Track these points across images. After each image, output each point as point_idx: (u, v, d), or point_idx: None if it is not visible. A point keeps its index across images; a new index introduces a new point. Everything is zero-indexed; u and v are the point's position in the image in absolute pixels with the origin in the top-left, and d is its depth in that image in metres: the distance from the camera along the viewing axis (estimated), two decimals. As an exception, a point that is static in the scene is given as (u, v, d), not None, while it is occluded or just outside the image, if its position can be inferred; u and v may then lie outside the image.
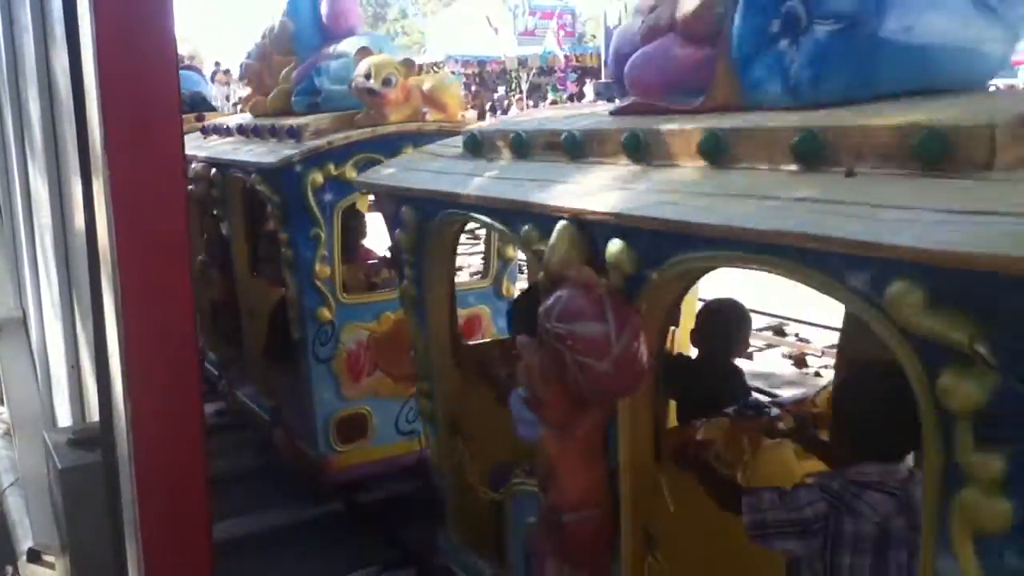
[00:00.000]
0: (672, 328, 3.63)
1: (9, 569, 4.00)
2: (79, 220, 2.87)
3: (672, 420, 3.14)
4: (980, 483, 1.46)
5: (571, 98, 25.16)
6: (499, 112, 23.60)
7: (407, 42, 47.39)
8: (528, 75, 30.09)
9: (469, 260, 10.69)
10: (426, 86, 4.24)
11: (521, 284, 4.96)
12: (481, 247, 5.94)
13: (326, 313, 4.16)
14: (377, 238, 4.75)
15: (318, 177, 4.00)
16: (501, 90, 30.26)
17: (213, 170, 4.88)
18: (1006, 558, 1.48)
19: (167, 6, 2.42)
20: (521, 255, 3.96)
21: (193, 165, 4.86)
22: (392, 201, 3.03)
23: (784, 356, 7.93)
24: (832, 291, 1.62)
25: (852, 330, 2.92)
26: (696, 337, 3.18)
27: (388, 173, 3.08)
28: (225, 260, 5.12)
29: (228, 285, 5.16)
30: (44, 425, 4.30)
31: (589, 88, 25.37)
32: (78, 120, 2.66)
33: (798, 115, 1.92)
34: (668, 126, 2.18)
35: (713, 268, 2.00)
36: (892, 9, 1.89)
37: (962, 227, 1.41)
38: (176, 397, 2.59)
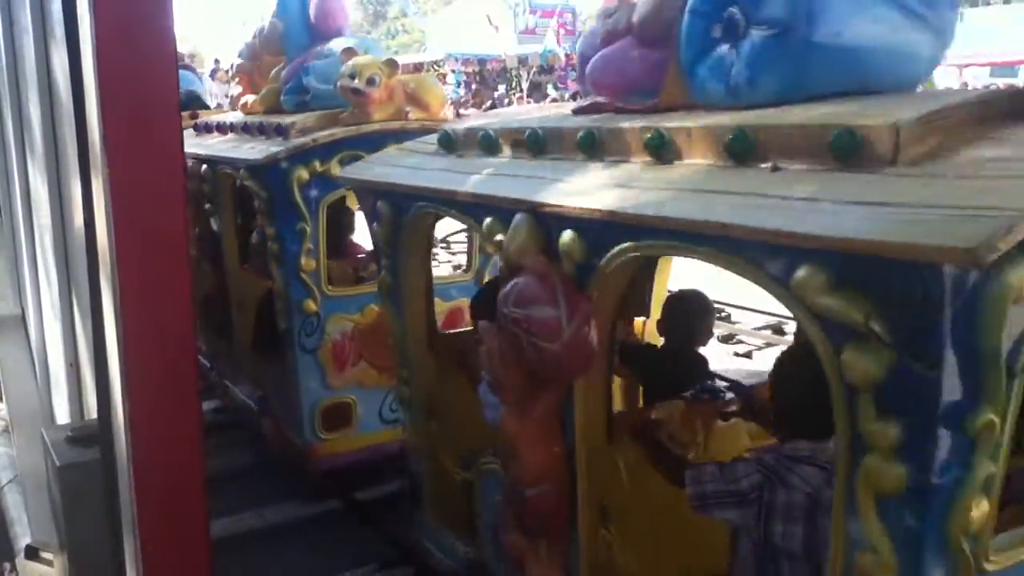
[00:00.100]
0: (643, 319, 3.79)
1: (7, 566, 4.04)
2: (78, 219, 2.87)
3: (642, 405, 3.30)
4: (880, 450, 1.60)
5: (573, 96, 25.28)
6: (499, 111, 23.68)
7: (407, 40, 47.29)
8: (529, 73, 30.17)
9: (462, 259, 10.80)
10: (409, 86, 4.38)
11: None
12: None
13: (311, 305, 4.31)
14: (366, 234, 4.87)
15: (304, 173, 4.14)
16: (502, 88, 30.33)
17: (204, 166, 5.03)
18: (904, 519, 1.63)
19: (167, 5, 2.42)
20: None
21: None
22: (369, 195, 3.18)
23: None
24: (754, 277, 1.76)
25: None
26: (662, 327, 3.33)
27: (366, 168, 3.22)
28: (216, 254, 5.26)
29: (219, 279, 5.30)
30: (42, 422, 4.32)
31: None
32: (77, 120, 2.67)
33: (735, 115, 2.07)
34: (620, 124, 2.33)
35: (656, 256, 2.14)
36: (822, 16, 2.03)
37: (864, 217, 1.55)
38: (174, 395, 2.59)
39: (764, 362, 7.69)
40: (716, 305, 8.06)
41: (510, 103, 27.42)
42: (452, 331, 3.67)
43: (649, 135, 2.16)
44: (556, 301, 2.18)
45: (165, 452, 2.58)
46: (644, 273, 3.71)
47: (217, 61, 16.27)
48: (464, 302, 4.62)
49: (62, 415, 4.13)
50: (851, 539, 1.72)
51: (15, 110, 4.64)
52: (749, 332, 8.19)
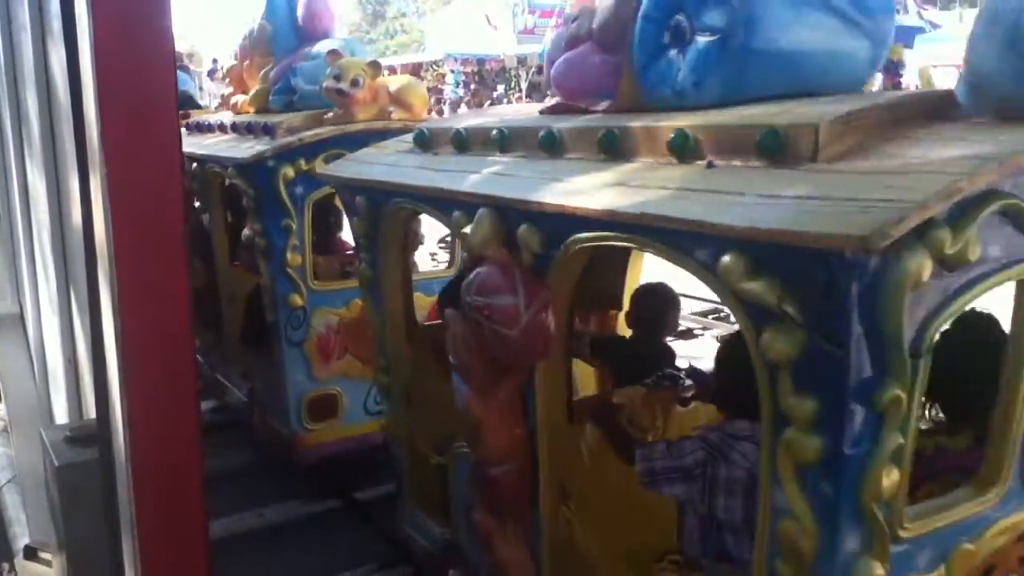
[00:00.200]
0: (615, 312, 3.94)
1: (5, 566, 4.04)
2: (76, 216, 2.85)
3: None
4: (798, 423, 1.75)
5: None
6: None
7: (406, 40, 47.22)
8: (527, 73, 30.26)
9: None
10: (392, 87, 4.53)
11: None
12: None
13: (297, 299, 4.44)
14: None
15: (289, 171, 4.27)
16: (500, 88, 30.46)
17: (195, 165, 5.17)
18: (821, 487, 1.77)
19: (165, 4, 2.41)
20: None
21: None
22: (349, 192, 3.32)
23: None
24: (685, 265, 1.91)
25: None
26: (630, 319, 3.47)
27: (346, 166, 3.36)
28: (207, 250, 5.40)
29: (209, 274, 5.44)
30: (41, 421, 4.33)
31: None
32: (75, 117, 2.67)
33: (679, 116, 2.21)
34: (578, 124, 2.47)
35: (599, 248, 2.28)
36: (761, 23, 2.18)
37: (781, 209, 1.70)
38: (173, 394, 2.58)
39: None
40: (713, 305, 8.19)
41: (509, 103, 27.57)
42: (429, 323, 3.80)
43: (602, 134, 2.31)
44: (515, 289, 2.32)
45: (163, 451, 2.58)
46: (617, 267, 3.86)
47: (215, 60, 16.40)
48: (447, 296, 4.77)
49: (60, 413, 4.13)
50: (776, 508, 1.86)
51: (13, 107, 4.66)
52: None
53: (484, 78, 31.64)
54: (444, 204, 2.71)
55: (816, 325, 1.67)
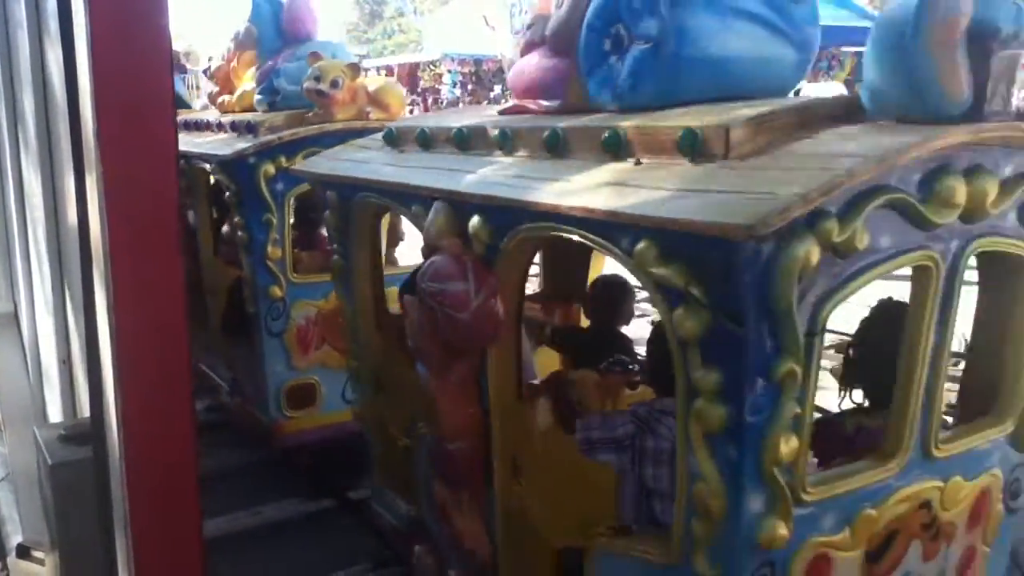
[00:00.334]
0: (579, 305, 4.13)
1: None
2: (72, 215, 2.83)
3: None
4: (705, 394, 1.94)
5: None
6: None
7: (404, 40, 47.21)
8: (523, 74, 30.27)
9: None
10: (371, 88, 4.71)
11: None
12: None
13: (277, 291, 4.62)
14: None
15: (270, 168, 4.45)
16: (498, 89, 30.61)
17: (182, 161, 5.34)
18: (727, 452, 1.97)
19: (162, 3, 2.40)
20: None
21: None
22: (321, 186, 3.51)
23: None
24: (611, 252, 2.10)
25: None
26: (587, 309, 3.66)
27: (319, 163, 3.55)
28: (192, 245, 5.57)
29: (194, 269, 5.61)
30: (35, 420, 4.29)
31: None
32: (72, 115, 2.66)
33: (616, 117, 2.40)
34: (528, 124, 2.66)
35: (543, 238, 2.47)
36: (690, 33, 2.37)
37: (689, 201, 1.89)
38: (167, 393, 2.56)
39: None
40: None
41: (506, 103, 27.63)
42: (398, 312, 3.99)
43: (547, 134, 2.50)
44: (466, 276, 2.51)
45: (158, 450, 2.57)
46: (580, 262, 4.06)
47: (211, 59, 16.52)
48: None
49: (54, 412, 4.09)
50: (690, 472, 2.05)
51: (9, 105, 4.68)
52: None
53: (481, 78, 31.77)
54: (405, 198, 2.90)
55: (718, 305, 1.86)
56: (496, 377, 2.74)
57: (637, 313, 4.11)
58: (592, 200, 2.11)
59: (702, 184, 1.94)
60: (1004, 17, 1.88)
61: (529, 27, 2.98)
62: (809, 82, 17.74)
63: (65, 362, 3.74)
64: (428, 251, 2.67)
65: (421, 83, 31.08)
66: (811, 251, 1.79)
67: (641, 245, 1.94)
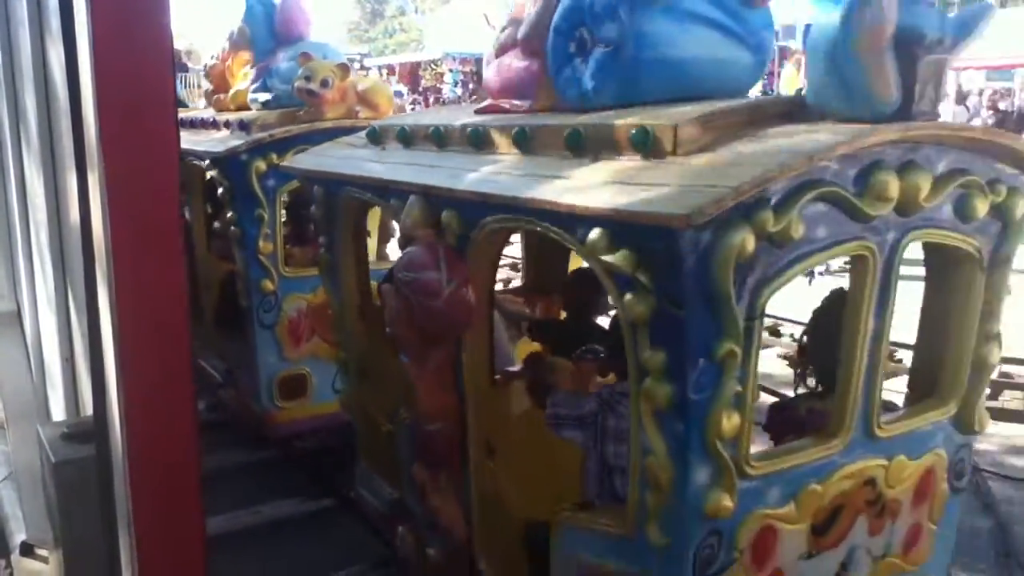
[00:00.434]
0: (559, 298, 4.27)
1: (2, 563, 4.06)
2: (74, 213, 2.84)
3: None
4: (653, 373, 2.08)
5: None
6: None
7: (405, 39, 47.21)
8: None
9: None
10: (360, 87, 4.86)
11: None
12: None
13: (269, 285, 4.77)
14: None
15: (261, 165, 4.60)
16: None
17: (177, 159, 5.50)
18: (674, 428, 2.11)
19: (163, 1, 2.41)
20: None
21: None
22: (308, 182, 3.65)
23: (779, 356, 7.74)
24: (569, 243, 2.24)
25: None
26: (564, 302, 3.81)
27: (305, 159, 3.70)
28: (187, 239, 5.72)
29: (190, 262, 5.76)
30: (38, 418, 4.30)
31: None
32: (74, 114, 2.67)
33: (579, 116, 2.55)
34: (500, 123, 2.80)
35: (513, 229, 2.61)
36: (648, 37, 2.51)
37: (636, 194, 2.03)
38: (170, 391, 2.57)
39: (760, 363, 7.56)
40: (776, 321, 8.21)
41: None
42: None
43: (515, 132, 2.64)
44: (438, 266, 2.66)
45: (160, 448, 2.58)
46: (560, 256, 4.20)
47: (213, 58, 16.66)
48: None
49: (57, 411, 4.09)
50: (642, 447, 2.20)
51: (11, 105, 4.65)
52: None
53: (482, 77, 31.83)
54: (384, 192, 3.05)
55: (663, 291, 2.01)
56: (470, 363, 2.88)
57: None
58: (551, 193, 2.25)
59: (651, 178, 2.08)
60: (929, 25, 2.03)
61: (503, 30, 3.12)
62: (811, 82, 17.88)
63: (68, 360, 3.75)
64: (404, 242, 2.82)
65: (423, 82, 31.23)
66: (747, 240, 1.93)
67: (593, 235, 2.08)
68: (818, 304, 2.75)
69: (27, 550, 3.84)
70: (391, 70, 32.60)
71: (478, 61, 31.39)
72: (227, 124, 5.05)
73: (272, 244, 4.74)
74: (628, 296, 2.07)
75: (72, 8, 2.56)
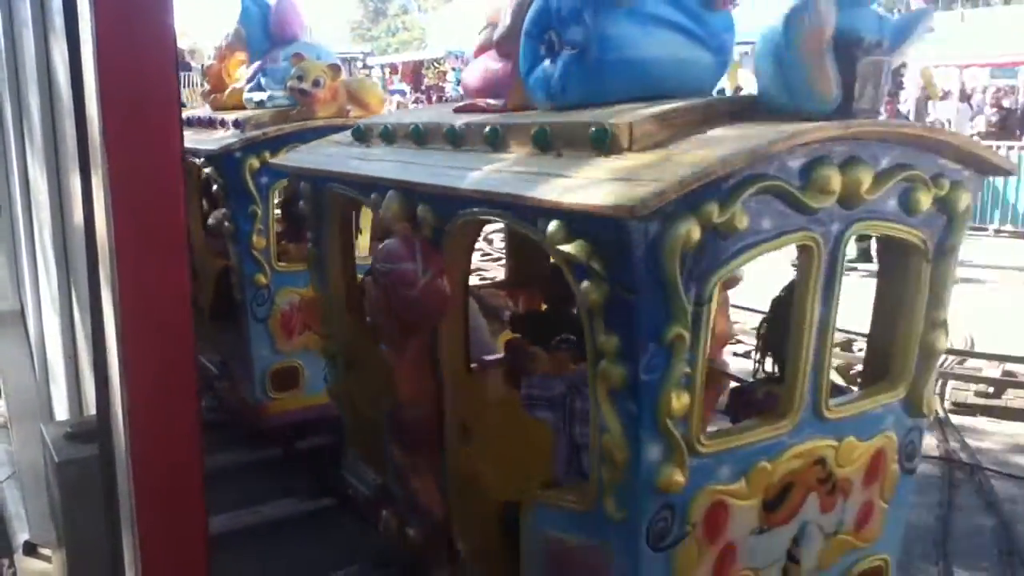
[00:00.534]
0: (541, 291, 4.41)
1: (5, 562, 4.06)
2: (77, 213, 2.84)
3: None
4: (608, 356, 2.22)
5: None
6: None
7: (408, 38, 47.22)
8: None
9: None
10: (351, 87, 5.01)
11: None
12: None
13: (262, 279, 4.91)
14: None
15: (255, 162, 4.75)
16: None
17: (175, 156, 5.65)
18: (627, 407, 2.25)
19: (167, 0, 2.43)
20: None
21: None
22: (296, 179, 3.80)
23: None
24: (533, 234, 2.38)
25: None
26: (543, 294, 3.95)
27: (294, 156, 3.84)
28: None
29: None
30: (41, 418, 4.33)
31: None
32: (77, 114, 2.67)
33: (546, 115, 2.69)
34: (473, 121, 2.94)
35: (484, 222, 2.75)
36: (611, 40, 2.64)
37: (591, 188, 2.17)
38: (173, 391, 2.58)
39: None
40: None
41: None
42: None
43: (488, 130, 2.78)
44: (414, 257, 2.80)
45: (164, 448, 2.59)
46: (542, 251, 4.33)
47: (210, 58, 16.83)
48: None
49: (61, 410, 4.10)
50: (600, 426, 2.33)
51: (15, 103, 4.74)
52: (749, 332, 8.38)
53: (484, 77, 31.90)
54: (365, 188, 3.19)
55: (615, 278, 2.15)
56: (447, 351, 3.02)
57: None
58: (517, 188, 2.39)
59: (607, 173, 2.22)
60: (867, 28, 2.16)
61: (482, 31, 3.26)
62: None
63: (71, 360, 3.76)
64: (383, 235, 2.96)
65: (425, 80, 31.36)
66: (692, 230, 2.07)
67: (551, 226, 2.22)
68: (778, 295, 2.88)
69: (30, 549, 3.87)
70: (394, 69, 32.74)
71: (480, 60, 31.53)
72: (222, 122, 5.20)
73: (265, 239, 4.89)
74: (584, 284, 2.21)
75: (76, 7, 2.59)
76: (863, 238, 6.04)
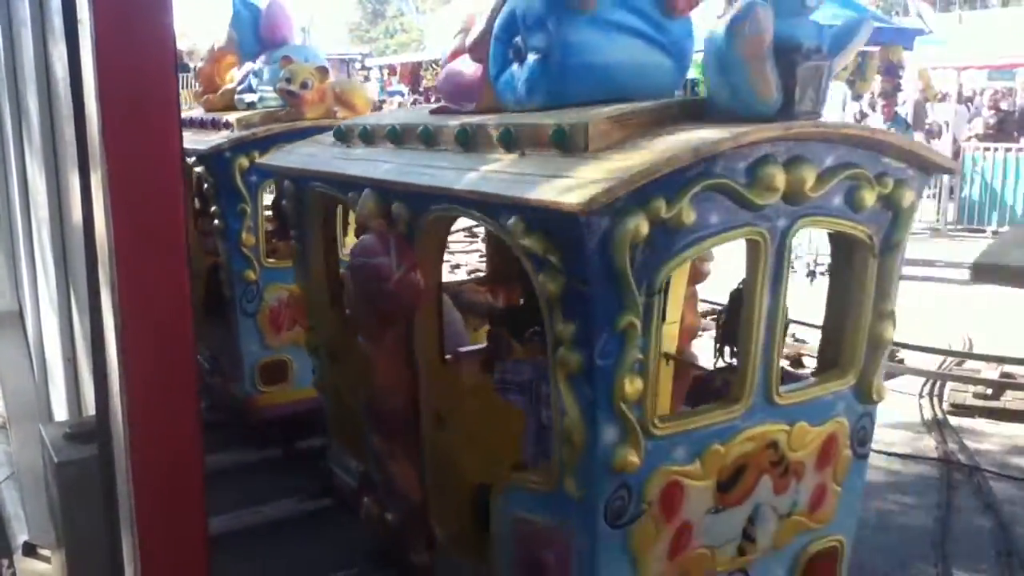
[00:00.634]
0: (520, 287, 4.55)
1: (4, 562, 4.05)
2: (76, 213, 2.83)
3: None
4: (565, 343, 2.37)
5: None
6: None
7: (406, 39, 47.24)
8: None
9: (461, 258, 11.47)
10: (338, 89, 5.16)
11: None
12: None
13: (251, 275, 5.05)
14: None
15: (244, 162, 4.89)
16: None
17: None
18: (584, 391, 2.39)
19: (166, 1, 2.42)
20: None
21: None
22: (280, 178, 3.94)
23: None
24: (496, 229, 2.52)
25: None
26: (521, 290, 4.09)
27: (278, 156, 3.99)
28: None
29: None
30: (40, 419, 4.31)
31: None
32: (76, 114, 2.66)
33: (513, 116, 2.83)
34: (447, 122, 3.08)
35: (455, 218, 2.89)
36: (573, 46, 2.78)
37: (549, 185, 2.31)
38: (172, 391, 2.58)
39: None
40: (714, 306, 8.40)
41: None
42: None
43: (458, 130, 2.93)
44: (389, 252, 2.94)
45: (163, 448, 2.58)
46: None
47: (201, 60, 16.96)
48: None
49: (59, 411, 4.09)
50: (560, 409, 2.48)
51: (13, 104, 4.70)
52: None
53: (482, 78, 31.95)
54: (344, 186, 3.33)
55: (571, 270, 2.29)
56: (421, 342, 3.17)
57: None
58: (482, 185, 2.54)
59: (564, 171, 2.36)
60: (805, 35, 2.31)
61: (456, 36, 3.40)
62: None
63: (70, 360, 3.75)
64: (360, 231, 3.10)
65: (424, 82, 31.48)
66: (640, 225, 2.21)
67: (511, 221, 2.37)
68: (734, 288, 3.02)
69: (29, 550, 3.87)
70: (392, 70, 32.85)
71: (479, 61, 31.62)
72: (213, 123, 5.34)
73: (254, 237, 5.03)
74: (542, 275, 2.35)
75: (75, 7, 2.58)
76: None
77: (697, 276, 3.64)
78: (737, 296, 3.02)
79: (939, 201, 13.30)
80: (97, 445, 2.85)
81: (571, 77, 2.81)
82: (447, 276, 6.09)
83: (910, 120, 13.76)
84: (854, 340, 2.86)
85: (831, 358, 2.94)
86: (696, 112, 2.59)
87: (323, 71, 5.10)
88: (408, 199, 2.93)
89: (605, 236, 2.21)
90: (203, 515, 2.73)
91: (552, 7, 2.76)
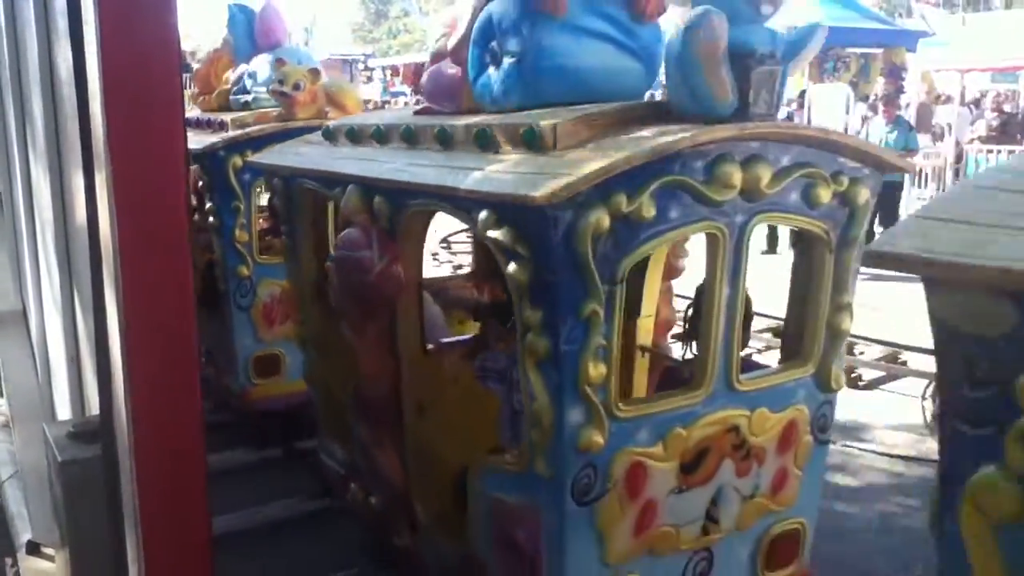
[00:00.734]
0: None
1: (8, 561, 4.10)
2: (80, 213, 2.86)
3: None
4: (533, 329, 2.51)
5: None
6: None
7: (409, 40, 47.32)
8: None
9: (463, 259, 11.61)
10: (330, 90, 5.31)
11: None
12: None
13: (244, 270, 5.21)
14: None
15: (238, 161, 5.05)
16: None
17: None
18: (551, 375, 2.54)
19: (170, 2, 2.44)
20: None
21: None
22: (270, 175, 4.09)
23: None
24: (469, 223, 2.67)
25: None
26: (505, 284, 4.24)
27: (268, 155, 4.14)
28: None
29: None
30: (43, 418, 4.35)
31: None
32: (80, 114, 2.68)
33: (490, 117, 2.98)
34: (427, 122, 3.23)
35: (432, 213, 3.04)
36: (547, 49, 2.92)
37: (518, 180, 2.46)
38: (176, 391, 2.60)
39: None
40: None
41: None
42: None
43: (437, 130, 3.07)
44: (371, 245, 3.09)
45: (167, 447, 2.59)
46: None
47: (198, 62, 17.13)
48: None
49: (63, 410, 4.11)
50: (530, 393, 2.62)
51: (18, 104, 4.80)
52: (752, 335, 8.44)
53: (483, 79, 32.07)
54: (329, 183, 3.48)
55: (537, 260, 2.44)
56: (404, 332, 3.31)
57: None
58: (457, 181, 2.68)
59: (533, 168, 2.51)
60: (759, 41, 2.46)
61: (438, 40, 3.55)
62: (815, 83, 17.72)
63: (73, 360, 3.78)
64: (344, 225, 3.25)
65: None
66: (602, 218, 2.36)
67: (482, 215, 2.51)
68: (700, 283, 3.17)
69: (33, 549, 3.93)
70: (395, 71, 33.02)
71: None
72: (208, 123, 5.50)
73: (247, 233, 5.19)
74: (511, 266, 2.50)
75: (79, 8, 2.61)
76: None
77: (672, 272, 3.78)
78: (702, 290, 3.17)
79: (943, 203, 13.28)
80: (101, 444, 2.88)
81: (544, 80, 2.96)
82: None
83: (913, 122, 13.81)
84: (813, 331, 3.00)
85: (793, 348, 3.08)
86: (659, 113, 2.73)
87: (315, 73, 5.26)
88: (389, 195, 3.08)
89: (569, 228, 2.36)
90: (207, 514, 2.77)
91: (526, 13, 2.90)
